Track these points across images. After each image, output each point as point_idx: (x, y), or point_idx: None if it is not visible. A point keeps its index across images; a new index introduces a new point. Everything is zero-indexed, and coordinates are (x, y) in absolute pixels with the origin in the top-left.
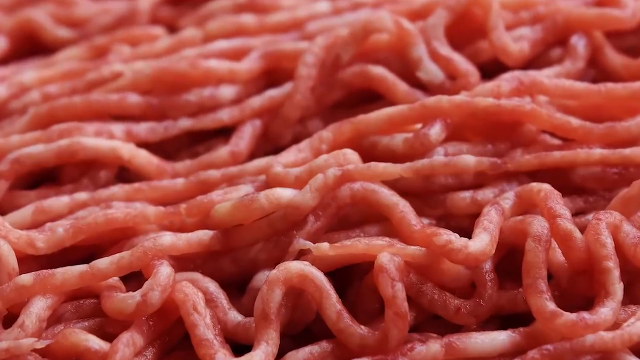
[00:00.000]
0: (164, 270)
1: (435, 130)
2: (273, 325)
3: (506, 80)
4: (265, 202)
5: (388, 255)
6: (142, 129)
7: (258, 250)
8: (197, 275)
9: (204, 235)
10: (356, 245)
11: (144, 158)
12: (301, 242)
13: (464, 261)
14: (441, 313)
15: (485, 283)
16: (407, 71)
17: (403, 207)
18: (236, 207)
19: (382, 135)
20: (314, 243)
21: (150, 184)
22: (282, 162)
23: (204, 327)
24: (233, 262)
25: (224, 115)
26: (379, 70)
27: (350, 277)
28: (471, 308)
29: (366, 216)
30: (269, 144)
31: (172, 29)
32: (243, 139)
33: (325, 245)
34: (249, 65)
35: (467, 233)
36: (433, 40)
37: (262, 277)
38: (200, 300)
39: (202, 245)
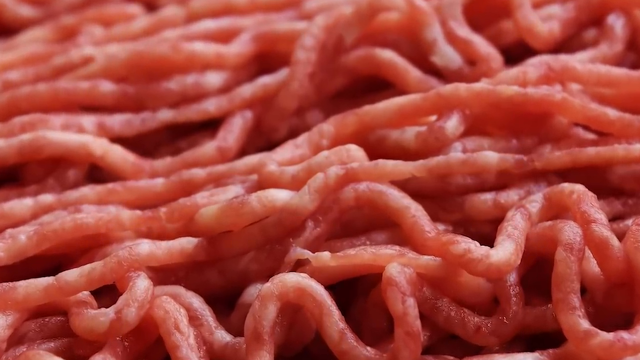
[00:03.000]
0: (141, 284)
1: (452, 123)
2: (266, 347)
3: (533, 66)
4: (257, 206)
5: (398, 266)
6: (117, 121)
7: (249, 260)
8: (180, 290)
9: (187, 243)
10: (361, 254)
11: (119, 155)
12: (298, 252)
13: (484, 273)
14: (459, 332)
15: (509, 298)
16: (420, 55)
17: (415, 211)
18: (224, 211)
19: (391, 128)
20: (313, 252)
21: (125, 184)
22: (276, 160)
23: (187, 349)
24: (220, 274)
25: (210, 106)
26: (387, 55)
27: (355, 292)
28: (493, 327)
29: (373, 221)
30: (261, 138)
31: (151, 7)
32: (232, 132)
33: (326, 255)
34: (238, 48)
35: (488, 241)
36: (449, 20)
37: (253, 292)
38: (183, 317)
39: (184, 255)
